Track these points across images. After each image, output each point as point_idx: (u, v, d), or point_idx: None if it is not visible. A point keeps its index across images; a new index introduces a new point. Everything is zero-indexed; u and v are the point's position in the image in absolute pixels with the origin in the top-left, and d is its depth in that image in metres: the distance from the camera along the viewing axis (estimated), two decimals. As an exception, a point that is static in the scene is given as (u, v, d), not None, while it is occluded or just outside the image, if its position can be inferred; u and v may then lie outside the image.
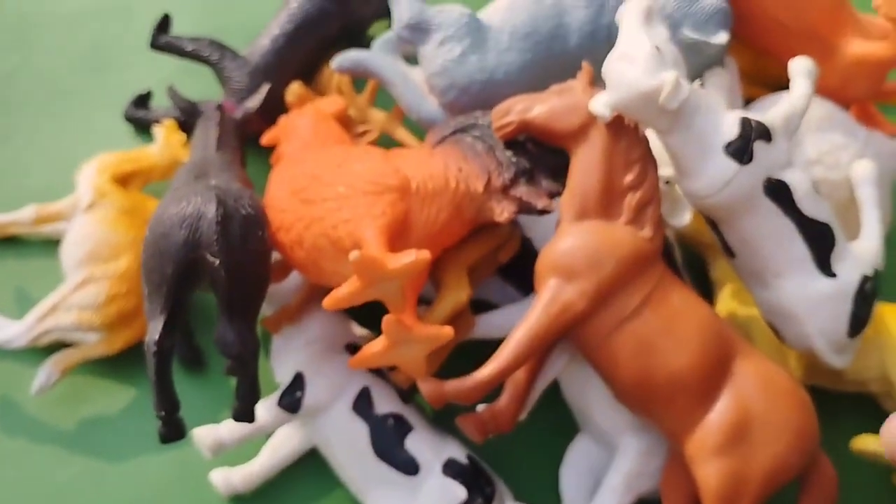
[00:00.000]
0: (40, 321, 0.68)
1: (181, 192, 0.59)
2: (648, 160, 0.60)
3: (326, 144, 0.67)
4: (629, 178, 0.59)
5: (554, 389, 0.68)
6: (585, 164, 0.60)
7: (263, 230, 0.60)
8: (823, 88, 0.76)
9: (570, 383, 0.67)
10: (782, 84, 0.81)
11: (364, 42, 0.85)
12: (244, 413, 0.59)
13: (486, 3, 0.74)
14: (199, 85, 0.84)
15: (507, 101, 0.62)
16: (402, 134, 0.77)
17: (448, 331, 0.58)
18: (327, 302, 0.56)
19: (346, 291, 0.55)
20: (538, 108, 0.61)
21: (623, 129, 0.60)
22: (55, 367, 0.69)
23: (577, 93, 0.61)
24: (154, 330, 0.57)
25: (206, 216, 0.56)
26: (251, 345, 0.58)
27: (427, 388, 0.60)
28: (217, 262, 0.56)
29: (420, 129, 0.73)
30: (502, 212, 0.62)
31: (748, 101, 0.78)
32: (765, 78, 0.82)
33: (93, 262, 0.70)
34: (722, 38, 0.68)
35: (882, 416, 0.71)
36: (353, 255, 0.52)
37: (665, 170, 0.66)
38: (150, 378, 0.57)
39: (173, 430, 0.58)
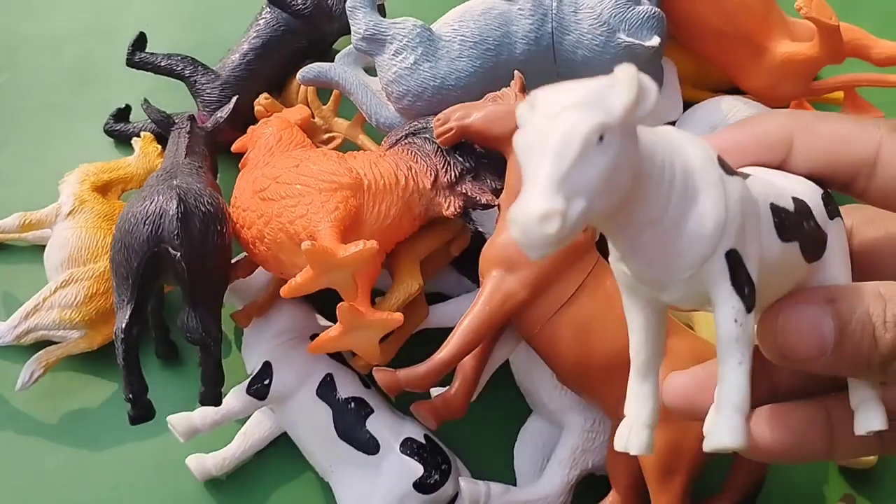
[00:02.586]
0: (24, 319, 0.73)
1: (146, 192, 0.64)
2: None
3: (289, 149, 0.71)
4: None
5: (509, 373, 0.72)
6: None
7: (222, 225, 0.65)
8: (757, 89, 0.81)
9: (519, 367, 0.71)
10: (723, 87, 0.86)
11: (330, 56, 0.89)
12: (210, 396, 0.64)
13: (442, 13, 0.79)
14: (176, 100, 0.88)
15: (445, 111, 0.67)
16: (363, 140, 0.82)
17: (398, 316, 0.63)
18: (284, 291, 0.60)
19: (300, 280, 0.59)
20: (475, 115, 0.65)
21: None
22: (38, 363, 0.73)
23: (510, 100, 0.66)
24: (122, 318, 0.61)
25: (167, 213, 0.61)
26: (213, 331, 0.62)
27: (382, 377, 0.64)
28: (178, 255, 0.61)
29: (381, 135, 0.78)
30: (449, 206, 0.67)
31: (690, 104, 0.82)
32: (706, 81, 0.86)
33: (73, 264, 0.75)
34: (655, 41, 0.73)
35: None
36: (305, 245, 0.57)
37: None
38: (119, 363, 0.61)
39: (142, 412, 0.62)
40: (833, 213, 0.38)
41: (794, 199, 0.35)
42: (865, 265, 0.43)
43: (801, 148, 0.39)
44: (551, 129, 0.27)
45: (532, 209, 0.26)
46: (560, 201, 0.26)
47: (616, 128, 0.27)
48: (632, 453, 0.35)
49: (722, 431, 0.32)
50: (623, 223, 0.31)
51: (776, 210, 0.33)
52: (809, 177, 0.38)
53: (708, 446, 0.32)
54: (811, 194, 0.37)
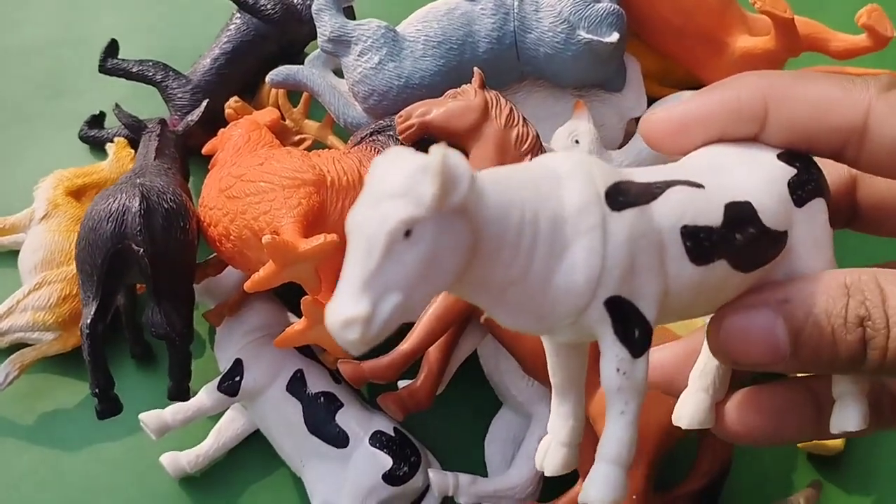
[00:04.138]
0: (-3, 322, 0.74)
1: (110, 191, 0.65)
2: (538, 151, 0.66)
3: (256, 149, 0.72)
4: None
5: (479, 366, 0.73)
6: (480, 158, 0.66)
7: (185, 221, 0.66)
8: (718, 83, 0.82)
9: (487, 359, 0.72)
10: (687, 84, 0.87)
11: (301, 61, 0.90)
12: (178, 391, 0.65)
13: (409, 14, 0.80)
14: (149, 106, 0.89)
15: (407, 108, 0.68)
16: (333, 140, 0.83)
17: (363, 310, 0.64)
18: (248, 285, 0.61)
19: (262, 274, 0.60)
20: (435, 111, 0.67)
21: (513, 123, 0.66)
22: (13, 365, 0.74)
23: (470, 95, 0.67)
24: (87, 315, 0.62)
25: (130, 210, 0.63)
26: (178, 326, 0.63)
27: (346, 368, 0.66)
28: (141, 250, 0.62)
29: (349, 136, 0.79)
30: (411, 201, 0.68)
31: (654, 100, 0.84)
32: (671, 78, 0.87)
33: (47, 267, 0.76)
34: (614, 37, 0.74)
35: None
36: (266, 238, 0.58)
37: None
38: (85, 358, 0.62)
39: (109, 406, 0.63)
40: (806, 196, 0.34)
41: (729, 206, 0.32)
42: (872, 218, 0.41)
43: (777, 117, 0.34)
44: (364, 222, 0.26)
45: (334, 316, 0.26)
46: (364, 305, 0.26)
47: (426, 219, 0.26)
48: (546, 473, 0.34)
49: (592, 486, 0.30)
50: (476, 288, 0.29)
51: (691, 233, 0.31)
52: (789, 149, 0.35)
53: (580, 499, 0.31)
54: (770, 185, 0.33)
